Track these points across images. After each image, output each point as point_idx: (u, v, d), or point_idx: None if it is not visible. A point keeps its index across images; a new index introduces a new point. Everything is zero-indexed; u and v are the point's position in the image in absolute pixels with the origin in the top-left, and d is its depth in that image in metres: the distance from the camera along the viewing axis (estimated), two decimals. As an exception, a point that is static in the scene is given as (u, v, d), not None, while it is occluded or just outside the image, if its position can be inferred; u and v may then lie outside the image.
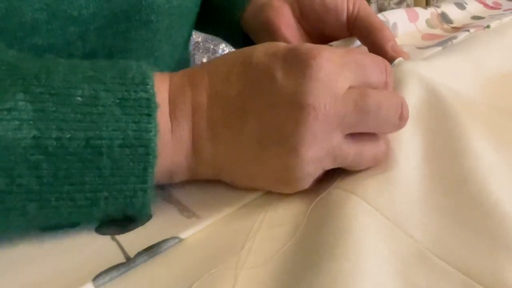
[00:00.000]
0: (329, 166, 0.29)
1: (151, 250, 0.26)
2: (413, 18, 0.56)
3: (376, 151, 0.30)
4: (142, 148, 0.25)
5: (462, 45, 0.45)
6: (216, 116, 0.28)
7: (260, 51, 0.29)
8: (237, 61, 0.29)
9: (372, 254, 0.24)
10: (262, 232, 0.28)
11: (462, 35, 0.48)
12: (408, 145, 0.31)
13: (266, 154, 0.28)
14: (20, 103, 0.24)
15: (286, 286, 0.24)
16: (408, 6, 1.03)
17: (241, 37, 0.48)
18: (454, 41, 0.47)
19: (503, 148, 0.32)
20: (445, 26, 0.56)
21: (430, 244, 0.25)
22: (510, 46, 0.46)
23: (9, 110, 0.23)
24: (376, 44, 0.40)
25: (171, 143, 0.28)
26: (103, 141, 0.25)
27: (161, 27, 0.38)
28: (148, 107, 0.26)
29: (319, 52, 0.27)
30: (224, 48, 1.48)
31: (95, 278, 0.25)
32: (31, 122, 0.24)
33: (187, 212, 0.29)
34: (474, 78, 0.41)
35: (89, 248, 0.27)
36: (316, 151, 0.27)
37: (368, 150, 0.29)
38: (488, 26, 0.50)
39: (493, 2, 0.64)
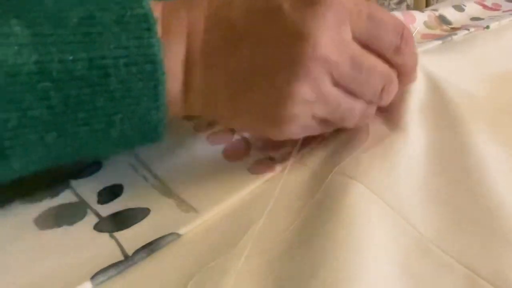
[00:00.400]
0: (319, 113, 0.28)
1: (149, 247, 0.26)
2: (410, 21, 0.56)
3: (367, 112, 0.30)
4: (149, 65, 0.25)
5: (461, 43, 0.45)
6: (212, 40, 0.27)
7: None
8: None
9: (376, 245, 0.24)
10: (262, 223, 0.27)
11: (462, 33, 0.48)
12: (414, 138, 0.31)
13: (256, 87, 0.27)
14: (16, 28, 0.23)
15: (288, 277, 0.24)
16: (408, 6, 1.04)
17: None
18: (455, 37, 0.47)
19: (505, 146, 0.32)
20: (444, 27, 0.57)
21: (434, 237, 0.25)
22: (508, 47, 0.46)
23: (6, 35, 0.22)
24: None
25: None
26: (107, 61, 0.24)
27: None
28: (146, 22, 0.25)
29: None
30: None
31: (93, 277, 0.25)
32: (30, 47, 0.23)
33: (185, 206, 0.29)
34: (473, 76, 0.41)
35: (87, 246, 0.27)
36: (307, 92, 0.27)
37: (359, 108, 0.29)
38: (487, 27, 0.50)
39: (493, 4, 0.64)
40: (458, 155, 0.30)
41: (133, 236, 0.27)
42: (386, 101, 0.30)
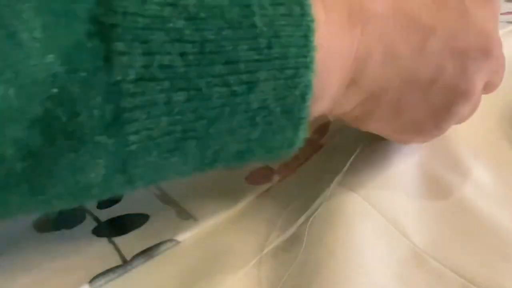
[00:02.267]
0: (466, 115, 0.29)
1: (147, 253, 0.26)
2: None
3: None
4: (298, 7, 0.20)
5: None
6: (394, 27, 0.24)
7: None
8: None
9: (372, 257, 0.24)
10: (260, 232, 0.28)
11: None
12: (408, 151, 0.32)
13: (439, 81, 0.25)
14: None
15: (286, 285, 0.24)
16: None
17: None
18: None
19: (495, 160, 0.32)
20: None
21: (429, 248, 0.25)
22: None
23: None
24: None
25: (325, 45, 0.22)
26: None
27: None
28: None
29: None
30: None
31: (92, 281, 0.25)
32: None
33: (184, 213, 0.29)
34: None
35: (86, 251, 0.27)
36: (477, 89, 0.26)
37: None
38: None
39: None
40: (448, 171, 0.30)
41: (131, 242, 0.27)
42: None
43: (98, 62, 0.17)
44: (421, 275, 0.24)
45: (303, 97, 0.21)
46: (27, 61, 0.16)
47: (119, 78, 0.17)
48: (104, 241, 0.28)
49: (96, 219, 0.30)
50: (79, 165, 0.18)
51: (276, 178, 0.32)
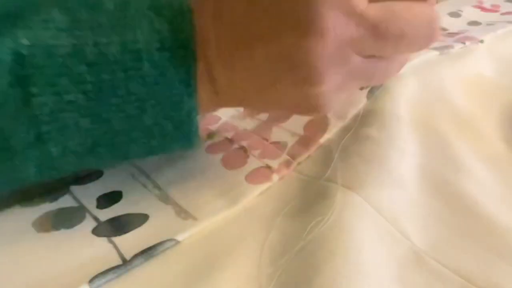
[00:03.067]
0: (355, 87, 0.28)
1: (147, 253, 0.26)
2: None
3: (400, 64, 0.28)
4: (182, 50, 0.25)
5: (456, 55, 0.45)
6: (224, 42, 0.26)
7: None
8: None
9: (372, 257, 0.24)
10: (260, 232, 0.28)
11: (457, 46, 0.48)
12: (407, 148, 0.32)
13: (281, 82, 0.25)
14: (55, 15, 0.24)
15: (285, 285, 0.24)
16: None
17: None
18: (452, 50, 0.47)
19: (492, 160, 0.32)
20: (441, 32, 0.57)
21: (427, 248, 0.25)
22: (500, 57, 0.46)
23: (46, 21, 0.24)
24: None
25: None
26: (140, 45, 0.24)
27: None
28: (180, 8, 0.25)
29: None
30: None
31: (91, 280, 0.25)
32: (67, 31, 0.24)
33: (183, 213, 0.29)
34: (464, 90, 0.41)
35: (86, 250, 0.27)
36: (333, 77, 0.24)
37: (392, 65, 0.27)
38: (481, 41, 0.50)
39: (492, 5, 0.64)
40: (447, 171, 0.30)
41: (131, 241, 0.27)
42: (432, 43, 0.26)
43: (20, 103, 0.24)
44: (420, 275, 0.24)
45: (189, 116, 0.26)
46: None
47: (37, 113, 0.24)
48: (103, 240, 0.28)
49: (96, 218, 0.30)
50: (15, 167, 0.26)
51: (275, 177, 0.32)
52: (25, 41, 0.23)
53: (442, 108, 0.36)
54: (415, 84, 0.37)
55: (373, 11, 0.23)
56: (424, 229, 0.27)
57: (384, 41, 0.24)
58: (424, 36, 0.25)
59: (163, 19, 0.25)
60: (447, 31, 0.57)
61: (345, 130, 0.35)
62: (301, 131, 0.36)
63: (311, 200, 0.29)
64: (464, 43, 0.50)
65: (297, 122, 0.36)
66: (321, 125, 0.35)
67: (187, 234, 0.28)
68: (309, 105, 0.26)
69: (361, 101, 0.36)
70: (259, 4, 0.24)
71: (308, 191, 0.30)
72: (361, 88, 0.34)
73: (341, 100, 0.27)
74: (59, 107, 0.24)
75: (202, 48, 0.26)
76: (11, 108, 0.24)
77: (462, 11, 0.62)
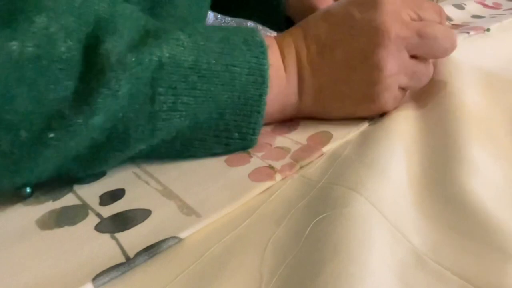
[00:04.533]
0: (404, 82, 0.37)
1: (150, 250, 0.26)
2: None
3: (430, 72, 0.39)
4: (260, 78, 0.34)
5: (460, 47, 0.45)
6: (312, 52, 0.37)
7: (335, 5, 0.39)
8: (318, 15, 0.39)
9: (374, 256, 0.24)
10: (263, 230, 0.28)
11: (461, 36, 0.48)
12: (409, 150, 0.32)
13: (354, 74, 0.36)
14: (182, 36, 0.32)
15: (286, 285, 0.24)
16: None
17: (284, 21, 0.56)
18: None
19: (500, 158, 0.32)
20: (446, 23, 0.56)
21: (428, 249, 0.25)
22: (507, 50, 0.46)
23: (176, 39, 0.32)
24: None
25: (284, 78, 0.37)
26: (236, 68, 0.33)
27: (180, 2, 0.44)
28: (262, 47, 0.34)
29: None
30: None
31: (95, 278, 0.25)
32: (190, 50, 0.32)
33: (186, 209, 0.29)
34: (471, 81, 0.41)
35: (88, 247, 0.27)
36: (392, 66, 0.36)
37: (427, 70, 0.39)
38: (488, 29, 0.50)
39: (493, 3, 0.64)
40: (451, 172, 0.30)
41: (134, 238, 0.27)
42: (451, 52, 0.39)
43: (148, 99, 0.31)
44: (421, 277, 0.24)
45: (253, 130, 0.35)
46: None
47: (157, 109, 0.31)
48: (106, 237, 0.28)
49: (99, 215, 0.30)
50: (122, 158, 0.33)
51: (278, 177, 0.32)
52: (166, 53, 0.31)
53: (450, 104, 0.36)
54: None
55: (415, 22, 0.37)
56: (425, 229, 0.27)
57: (425, 40, 0.36)
58: (449, 43, 0.38)
59: (253, 54, 0.34)
60: (452, 22, 0.57)
61: (348, 142, 0.36)
62: (304, 142, 0.36)
63: (314, 200, 0.29)
64: (468, 32, 0.49)
65: (301, 134, 0.38)
66: (324, 138, 0.37)
67: (190, 232, 0.28)
68: (372, 91, 0.36)
69: (363, 124, 0.38)
70: (338, 23, 0.37)
71: (311, 192, 0.30)
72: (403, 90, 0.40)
73: (394, 96, 0.37)
74: (174, 107, 0.31)
75: (295, 57, 0.38)
76: (139, 101, 0.30)
77: (465, 5, 0.61)
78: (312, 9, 0.50)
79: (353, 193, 0.28)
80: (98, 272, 0.25)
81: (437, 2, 0.65)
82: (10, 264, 0.26)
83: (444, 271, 0.24)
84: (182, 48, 0.31)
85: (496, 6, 0.63)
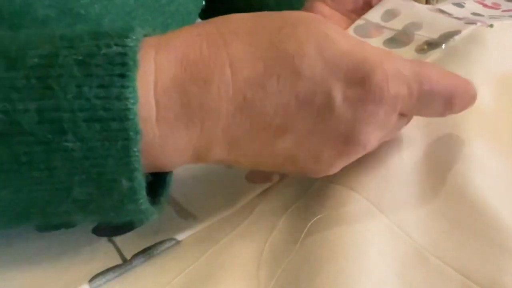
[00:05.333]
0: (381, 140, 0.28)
1: (147, 252, 0.26)
2: None
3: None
4: (116, 123, 0.20)
5: (461, 43, 0.45)
6: (239, 127, 0.23)
7: (312, 54, 0.22)
8: (278, 59, 0.22)
9: (373, 255, 0.24)
10: (260, 231, 0.28)
11: (469, 29, 0.47)
12: (409, 145, 0.31)
13: (292, 169, 0.26)
14: None
15: (286, 284, 0.24)
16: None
17: None
18: (456, 37, 0.47)
19: (504, 155, 0.32)
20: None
21: (429, 246, 0.25)
22: (509, 48, 0.46)
23: None
24: None
25: (156, 145, 0.22)
26: (62, 114, 0.19)
27: (157, 25, 0.37)
28: (122, 65, 0.20)
29: (388, 81, 0.23)
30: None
31: (92, 280, 0.25)
32: None
33: (184, 212, 0.29)
34: (474, 78, 0.41)
35: (86, 250, 0.27)
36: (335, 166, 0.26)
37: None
38: (491, 25, 0.50)
39: (492, 3, 0.64)
40: (453, 164, 0.30)
41: (131, 240, 0.27)
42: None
43: None
44: (422, 273, 0.24)
45: (131, 198, 0.22)
46: None
47: None
48: (103, 240, 0.28)
49: (96, 218, 0.30)
50: None
51: (275, 177, 0.32)
52: None
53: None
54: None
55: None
56: (426, 226, 0.26)
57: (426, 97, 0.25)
58: (463, 94, 0.27)
59: (95, 81, 0.20)
60: (453, 16, 0.57)
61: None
62: None
63: (312, 200, 0.29)
64: (475, 23, 0.49)
65: None
66: None
67: (187, 234, 0.28)
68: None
69: None
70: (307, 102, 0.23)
71: (309, 192, 0.30)
72: None
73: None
74: None
75: (203, 125, 0.23)
76: None
77: (465, 3, 0.62)
78: None
79: (351, 192, 0.28)
80: (95, 273, 0.25)
81: (437, 2, 0.65)
82: (6, 265, 0.26)
83: (445, 266, 0.24)
84: None
85: (495, 6, 0.63)
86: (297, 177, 0.30)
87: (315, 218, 0.26)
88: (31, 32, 0.22)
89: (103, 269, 0.25)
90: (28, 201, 0.22)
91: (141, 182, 0.22)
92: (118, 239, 0.28)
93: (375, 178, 0.29)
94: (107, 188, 0.21)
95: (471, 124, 0.33)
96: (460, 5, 0.61)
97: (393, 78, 0.23)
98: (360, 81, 0.23)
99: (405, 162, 0.30)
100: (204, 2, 0.46)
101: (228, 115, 0.22)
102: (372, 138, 0.25)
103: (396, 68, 0.24)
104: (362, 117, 0.23)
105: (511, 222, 0.26)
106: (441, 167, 0.30)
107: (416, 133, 0.32)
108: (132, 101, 0.20)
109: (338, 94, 0.23)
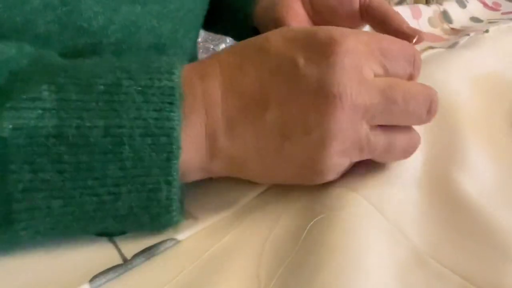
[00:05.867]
0: (356, 158, 0.28)
1: (148, 252, 0.26)
2: (417, 15, 0.56)
3: (408, 143, 0.29)
4: (164, 138, 0.25)
5: (460, 49, 0.45)
6: (232, 107, 0.27)
7: (276, 37, 0.28)
8: (252, 49, 0.28)
9: (373, 256, 0.24)
10: (260, 231, 0.28)
11: (463, 40, 0.48)
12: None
13: (288, 145, 0.27)
14: (45, 93, 0.24)
15: (285, 285, 0.24)
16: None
17: (252, 34, 0.48)
18: (457, 46, 0.47)
19: (499, 160, 0.32)
20: (445, 26, 0.57)
21: (428, 248, 0.25)
22: (504, 52, 0.46)
23: (33, 99, 0.24)
24: (391, 28, 0.40)
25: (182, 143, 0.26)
26: (123, 130, 0.24)
27: (164, 31, 0.38)
28: (171, 96, 0.25)
29: (344, 38, 0.26)
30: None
31: (92, 280, 0.25)
32: (53, 111, 0.24)
33: (184, 212, 0.29)
34: (471, 83, 0.41)
35: (86, 249, 0.27)
36: (342, 142, 0.26)
37: (399, 142, 0.28)
38: (486, 31, 0.50)
39: (493, 3, 0.65)
40: (452, 168, 0.30)
41: (132, 240, 0.27)
42: (432, 119, 0.29)
43: None
44: (421, 276, 0.24)
45: (167, 208, 0.26)
46: None
47: (11, 190, 0.24)
48: (104, 240, 0.28)
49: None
50: None
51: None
52: (7, 125, 0.23)
53: (449, 104, 0.36)
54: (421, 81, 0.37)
55: (380, 80, 0.27)
56: (425, 229, 0.27)
57: (393, 105, 0.26)
58: (424, 107, 0.28)
59: (151, 106, 0.25)
60: (451, 26, 0.57)
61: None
62: None
63: (312, 200, 0.29)
64: (468, 34, 0.50)
65: None
66: None
67: (188, 234, 0.28)
68: (312, 169, 0.28)
69: None
70: (276, 71, 0.27)
71: (309, 192, 0.30)
72: None
73: (341, 169, 0.28)
74: (33, 186, 0.24)
75: (204, 109, 0.27)
76: None
77: (468, 2, 0.62)
78: (276, 24, 0.43)
79: (352, 194, 0.28)
80: (95, 273, 0.25)
81: (436, 2, 0.65)
82: (6, 265, 0.26)
83: (444, 270, 0.24)
84: (40, 111, 0.24)
85: (496, 7, 0.63)
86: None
87: (316, 219, 0.26)
88: (92, 62, 0.27)
89: (103, 269, 0.25)
90: (74, 215, 0.25)
91: (177, 192, 0.26)
92: (118, 239, 0.28)
93: (376, 180, 0.29)
94: (147, 199, 0.26)
95: (466, 129, 0.33)
96: (462, 4, 0.62)
97: (342, 36, 0.26)
98: (315, 42, 0.27)
99: (405, 165, 0.30)
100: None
101: (223, 100, 0.27)
102: (347, 89, 0.25)
103: (356, 40, 0.27)
104: (326, 69, 0.26)
105: (509, 225, 0.26)
106: (440, 170, 0.30)
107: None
108: (177, 122, 0.25)
109: (300, 59, 0.26)
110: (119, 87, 0.25)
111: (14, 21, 0.29)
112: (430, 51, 0.45)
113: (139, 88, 0.25)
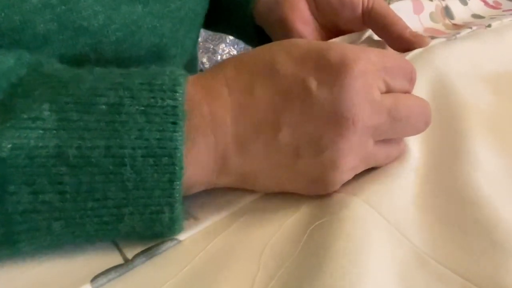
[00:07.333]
0: (361, 170, 0.30)
1: (149, 252, 0.26)
2: (418, 10, 0.56)
3: (399, 152, 0.31)
4: (166, 158, 0.24)
5: (462, 41, 0.45)
6: (243, 130, 0.27)
7: (283, 57, 0.27)
8: (260, 68, 0.28)
9: (374, 258, 0.24)
10: (261, 232, 0.28)
11: (465, 31, 0.48)
12: (410, 150, 0.32)
13: (300, 163, 0.27)
14: (46, 112, 0.24)
15: (286, 285, 0.24)
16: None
17: (254, 32, 0.48)
18: (458, 35, 0.47)
19: (504, 153, 0.32)
20: (447, 21, 0.57)
21: (429, 249, 0.25)
22: (508, 45, 0.46)
23: (34, 119, 0.24)
24: (393, 34, 0.41)
25: (186, 162, 0.26)
26: (125, 150, 0.24)
27: (165, 31, 0.38)
28: (174, 115, 0.25)
29: (356, 61, 0.26)
30: (224, 48, 1.47)
31: (93, 280, 0.25)
32: (54, 131, 0.24)
33: (185, 213, 0.29)
34: (475, 77, 0.41)
35: (88, 250, 0.27)
36: (353, 160, 0.27)
37: (396, 151, 0.31)
38: (489, 25, 0.50)
39: (494, 1, 0.64)
40: (454, 167, 0.30)
41: (133, 240, 0.27)
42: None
43: None
44: (421, 276, 0.24)
45: (170, 228, 0.26)
46: None
47: (10, 211, 0.23)
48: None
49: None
50: None
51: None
52: (6, 144, 0.23)
53: (452, 100, 0.36)
54: (421, 79, 0.37)
55: (386, 99, 0.28)
56: (425, 229, 0.27)
57: (397, 123, 0.28)
58: (423, 120, 0.30)
59: (153, 126, 0.24)
60: (453, 21, 0.57)
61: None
62: None
63: (313, 203, 0.29)
64: (471, 28, 0.49)
65: None
66: None
67: (189, 234, 0.28)
68: (322, 184, 0.28)
69: None
70: (287, 94, 0.27)
71: (310, 196, 0.30)
72: None
73: (347, 180, 0.29)
74: (32, 207, 0.24)
75: (214, 134, 0.27)
76: None
77: (469, 0, 0.62)
78: (281, 23, 0.43)
79: (352, 196, 0.28)
80: (96, 273, 0.25)
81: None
82: (8, 265, 0.26)
83: (445, 270, 0.24)
84: (41, 131, 0.23)
85: (496, 6, 0.63)
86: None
87: (317, 223, 0.26)
88: (93, 76, 0.26)
89: (104, 268, 0.25)
90: (75, 234, 0.25)
91: (180, 213, 0.26)
92: (119, 239, 0.28)
93: (375, 182, 0.29)
94: (150, 220, 0.26)
95: (471, 123, 0.33)
96: (463, 1, 0.61)
97: (354, 59, 0.27)
98: (327, 64, 0.27)
99: (404, 165, 0.30)
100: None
101: (232, 122, 0.27)
102: (359, 113, 0.26)
103: (366, 61, 0.27)
104: (339, 93, 0.26)
105: (511, 223, 0.26)
106: (440, 170, 0.30)
107: (415, 136, 0.33)
108: (180, 142, 0.25)
109: (312, 81, 0.26)
110: (121, 107, 0.24)
111: (13, 20, 0.29)
112: (432, 42, 0.45)
113: (142, 108, 0.25)
